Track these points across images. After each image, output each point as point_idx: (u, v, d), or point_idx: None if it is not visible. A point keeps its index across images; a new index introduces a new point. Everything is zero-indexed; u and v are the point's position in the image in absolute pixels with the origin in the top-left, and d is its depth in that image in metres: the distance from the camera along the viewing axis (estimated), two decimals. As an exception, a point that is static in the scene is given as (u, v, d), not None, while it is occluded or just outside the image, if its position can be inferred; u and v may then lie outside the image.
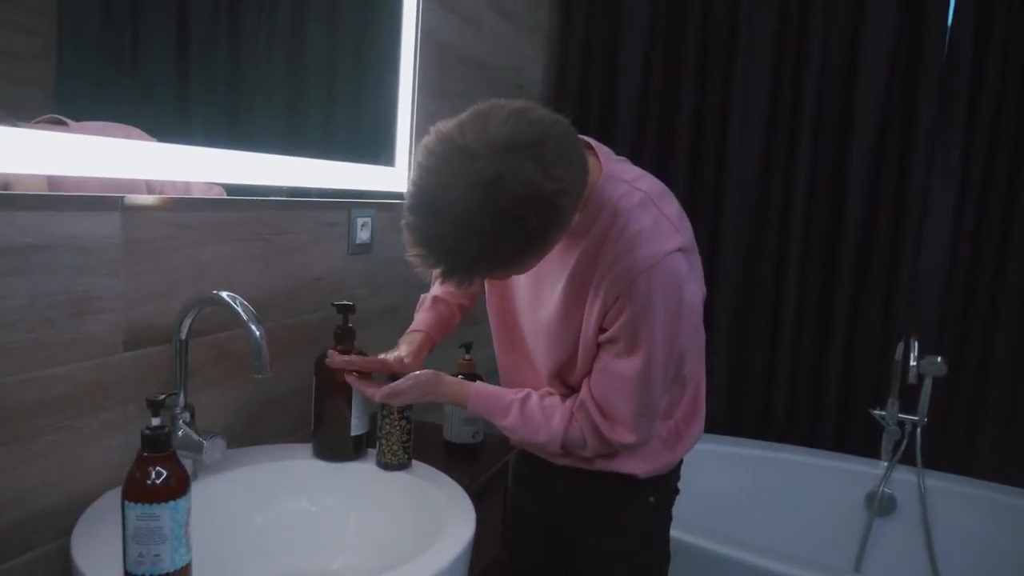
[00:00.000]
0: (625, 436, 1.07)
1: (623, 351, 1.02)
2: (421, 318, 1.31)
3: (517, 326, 1.19)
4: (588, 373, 1.09)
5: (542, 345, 1.13)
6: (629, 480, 1.16)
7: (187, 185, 1.13)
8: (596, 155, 1.03)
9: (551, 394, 1.14)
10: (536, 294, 1.12)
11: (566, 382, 1.14)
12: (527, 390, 1.14)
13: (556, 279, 1.07)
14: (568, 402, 1.11)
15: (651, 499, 1.21)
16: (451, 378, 1.17)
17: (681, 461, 1.24)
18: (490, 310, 1.23)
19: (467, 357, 1.42)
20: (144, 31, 1.03)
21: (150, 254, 1.08)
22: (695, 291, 1.04)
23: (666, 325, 0.99)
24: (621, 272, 0.98)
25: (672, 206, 1.04)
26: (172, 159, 1.08)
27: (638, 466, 1.15)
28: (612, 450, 1.11)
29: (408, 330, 1.30)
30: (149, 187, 1.06)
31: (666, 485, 1.23)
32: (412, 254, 0.89)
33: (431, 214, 0.86)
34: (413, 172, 0.88)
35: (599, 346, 1.05)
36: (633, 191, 1.02)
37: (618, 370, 1.03)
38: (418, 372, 1.14)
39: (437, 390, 1.14)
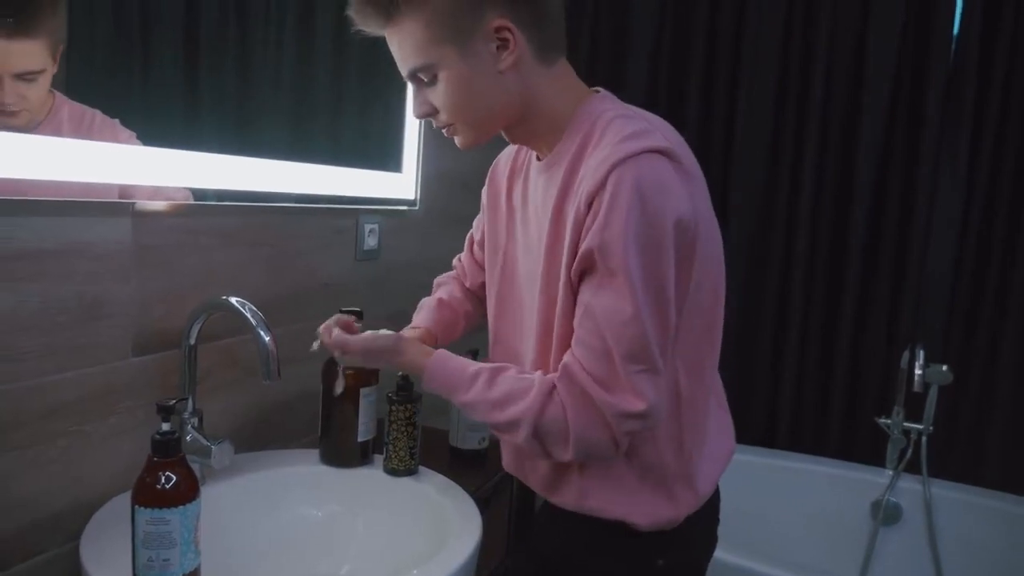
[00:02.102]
0: (629, 399, 0.83)
1: (601, 277, 0.84)
2: (423, 317, 1.19)
3: (517, 286, 1.04)
4: (568, 333, 0.90)
5: (533, 295, 0.97)
6: (625, 531, 0.96)
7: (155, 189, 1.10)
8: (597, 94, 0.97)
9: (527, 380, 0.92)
10: (529, 238, 1.00)
11: (559, 342, 0.93)
12: (502, 364, 0.95)
13: (544, 213, 0.94)
14: (549, 375, 0.89)
15: (660, 562, 0.98)
16: (417, 344, 1.01)
17: (707, 509, 1.02)
18: (488, 273, 1.11)
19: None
20: (154, 40, 1.04)
21: (160, 259, 1.09)
22: (686, 207, 0.84)
23: (641, 234, 0.81)
24: (592, 171, 0.84)
25: (672, 132, 0.92)
26: (183, 166, 1.09)
27: (632, 511, 0.95)
28: (603, 437, 0.86)
29: (406, 328, 1.17)
30: (123, 192, 1.03)
31: (683, 542, 0.99)
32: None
33: None
34: None
35: (579, 285, 0.88)
36: (627, 107, 0.93)
37: (598, 305, 0.84)
38: (379, 332, 1.01)
39: (395, 357, 0.99)
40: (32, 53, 0.87)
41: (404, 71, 0.91)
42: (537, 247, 0.95)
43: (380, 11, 0.87)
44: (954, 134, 2.15)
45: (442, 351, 0.98)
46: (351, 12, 0.89)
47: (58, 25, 0.90)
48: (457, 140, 0.96)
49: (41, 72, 0.89)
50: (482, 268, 1.17)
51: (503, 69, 0.87)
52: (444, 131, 0.96)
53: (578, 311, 0.87)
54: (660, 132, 0.87)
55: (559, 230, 0.91)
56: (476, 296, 1.23)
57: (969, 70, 2.11)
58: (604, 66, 2.44)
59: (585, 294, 0.86)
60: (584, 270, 0.86)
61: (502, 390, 0.90)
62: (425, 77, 0.89)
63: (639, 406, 0.83)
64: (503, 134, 0.99)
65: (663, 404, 0.88)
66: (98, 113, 0.97)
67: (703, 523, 1.02)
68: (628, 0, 2.40)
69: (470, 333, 1.25)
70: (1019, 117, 2.07)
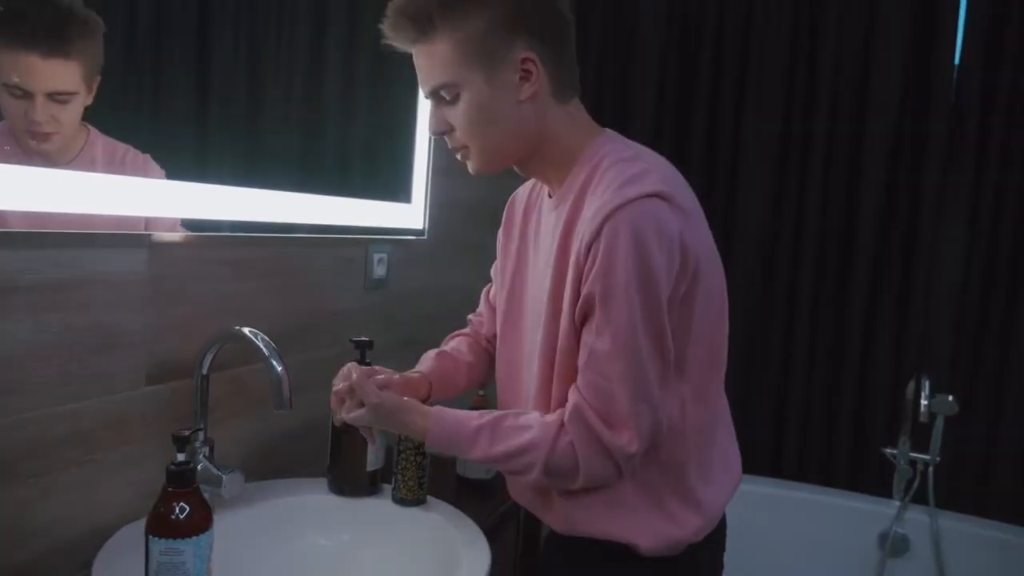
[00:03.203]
0: (627, 439, 0.88)
1: (601, 322, 0.87)
2: (422, 365, 1.18)
3: (523, 317, 1.07)
4: (570, 372, 0.94)
5: (537, 325, 1.00)
6: (630, 555, 0.96)
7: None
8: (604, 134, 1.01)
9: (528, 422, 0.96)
10: (538, 270, 1.03)
11: (560, 375, 0.96)
12: (497, 412, 0.98)
13: (550, 250, 0.97)
14: (557, 413, 0.93)
15: None
16: (417, 405, 1.01)
17: (714, 536, 1.02)
18: (499, 305, 1.13)
19: (481, 393, 1.43)
20: (166, 72, 1.06)
21: (174, 289, 1.11)
22: (683, 243, 0.88)
23: (639, 278, 0.84)
24: (590, 218, 0.87)
25: (669, 170, 0.95)
26: (195, 198, 1.11)
27: (630, 531, 0.96)
28: (610, 471, 0.91)
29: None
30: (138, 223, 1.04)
31: (689, 569, 1.00)
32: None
33: None
34: None
35: (582, 328, 0.91)
36: (628, 149, 0.96)
37: (602, 349, 0.88)
38: (391, 394, 1.01)
39: (395, 416, 0.99)
40: (65, 74, 0.89)
41: (427, 87, 0.94)
42: (543, 280, 0.98)
43: (416, 27, 0.90)
44: (958, 164, 2.17)
45: (438, 410, 0.98)
46: (384, 26, 0.93)
47: (93, 51, 0.93)
48: (469, 165, 0.99)
49: (74, 95, 0.91)
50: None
51: (522, 99, 0.92)
52: (458, 155, 0.98)
53: (582, 353, 0.91)
54: (656, 174, 0.90)
55: (562, 268, 0.94)
56: (485, 351, 1.23)
57: (971, 101, 2.13)
58: (609, 103, 2.48)
59: (588, 336, 0.90)
60: (586, 313, 0.90)
61: (508, 445, 0.93)
62: (447, 96, 0.93)
63: (636, 443, 0.88)
64: (516, 168, 1.01)
65: (660, 431, 0.91)
66: (130, 149, 1.00)
67: (710, 550, 1.03)
68: (632, 38, 2.44)
69: (474, 387, 1.27)
70: (1021, 150, 2.09)
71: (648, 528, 0.96)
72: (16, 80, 0.84)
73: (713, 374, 0.99)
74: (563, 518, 1.01)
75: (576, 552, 1.02)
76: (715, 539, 1.04)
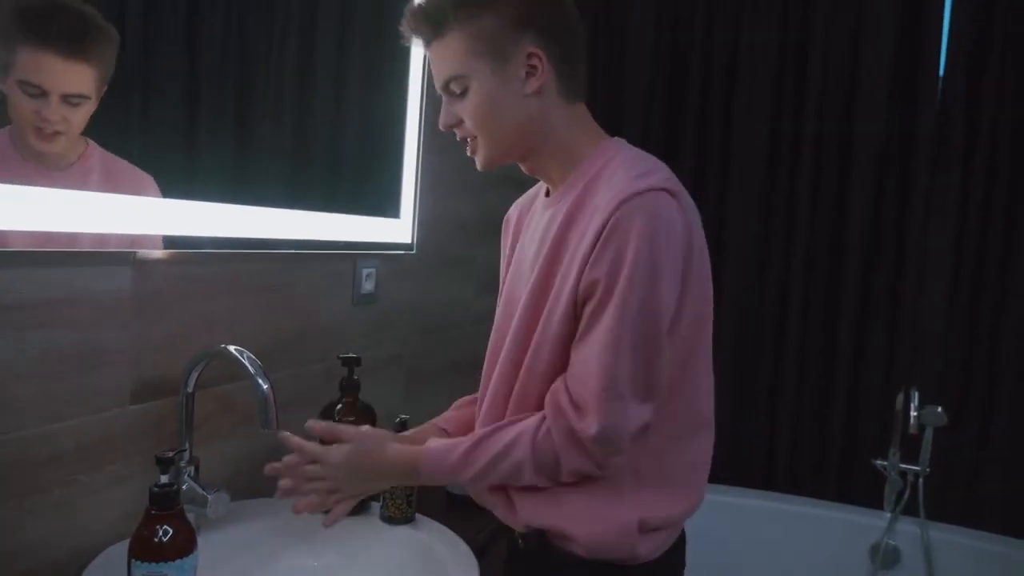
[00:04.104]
0: (588, 422, 0.87)
1: (600, 305, 0.88)
2: (444, 416, 1.15)
3: (507, 309, 1.06)
4: (549, 373, 0.94)
5: (510, 321, 0.99)
6: (562, 558, 0.96)
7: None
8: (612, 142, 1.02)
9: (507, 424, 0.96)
10: (522, 267, 1.04)
11: (529, 374, 0.96)
12: (477, 433, 0.97)
13: (541, 244, 0.98)
14: (539, 413, 0.94)
15: None
16: (397, 447, 0.98)
17: (672, 556, 1.00)
18: (498, 311, 1.11)
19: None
20: (154, 86, 1.06)
21: (159, 307, 1.10)
22: (687, 242, 0.90)
23: (646, 267, 0.85)
24: (605, 204, 0.89)
25: (678, 184, 0.94)
26: (181, 214, 1.10)
27: (570, 522, 0.95)
28: (584, 459, 0.90)
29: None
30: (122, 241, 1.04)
31: None
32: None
33: None
34: None
35: (581, 315, 0.91)
36: (640, 152, 0.99)
37: (592, 333, 0.89)
38: (349, 444, 0.98)
39: (378, 465, 0.97)
40: (83, 78, 0.93)
41: (439, 81, 0.99)
42: (528, 275, 1.00)
43: (432, 24, 0.96)
44: (944, 176, 2.18)
45: (425, 449, 0.97)
46: (402, 25, 0.99)
47: (108, 60, 0.96)
48: (477, 158, 1.02)
49: (86, 99, 0.94)
50: None
51: (528, 93, 0.95)
52: (467, 149, 1.02)
53: (575, 348, 0.92)
54: (667, 171, 0.94)
55: (554, 261, 0.95)
56: None
57: (956, 111, 2.15)
58: (599, 108, 2.48)
59: (583, 321, 0.91)
60: (587, 299, 0.90)
61: (494, 449, 0.93)
62: (457, 88, 0.97)
63: (594, 428, 0.87)
64: (520, 166, 1.04)
65: (623, 430, 0.89)
66: (134, 168, 1.02)
67: (669, 565, 1.01)
68: (623, 45, 2.45)
69: None
70: (1007, 159, 2.11)
71: (582, 519, 0.94)
72: (35, 79, 0.87)
73: (682, 385, 0.97)
74: (516, 513, 1.00)
75: (534, 558, 1.01)
76: (673, 558, 1.02)
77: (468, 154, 1.02)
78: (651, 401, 0.91)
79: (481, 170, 1.03)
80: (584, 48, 1.01)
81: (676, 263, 0.89)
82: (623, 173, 0.91)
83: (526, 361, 0.97)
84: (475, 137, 0.99)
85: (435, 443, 0.97)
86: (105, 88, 0.96)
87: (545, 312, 0.94)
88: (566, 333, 0.93)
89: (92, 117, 0.95)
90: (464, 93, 0.96)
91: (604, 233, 0.87)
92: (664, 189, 0.89)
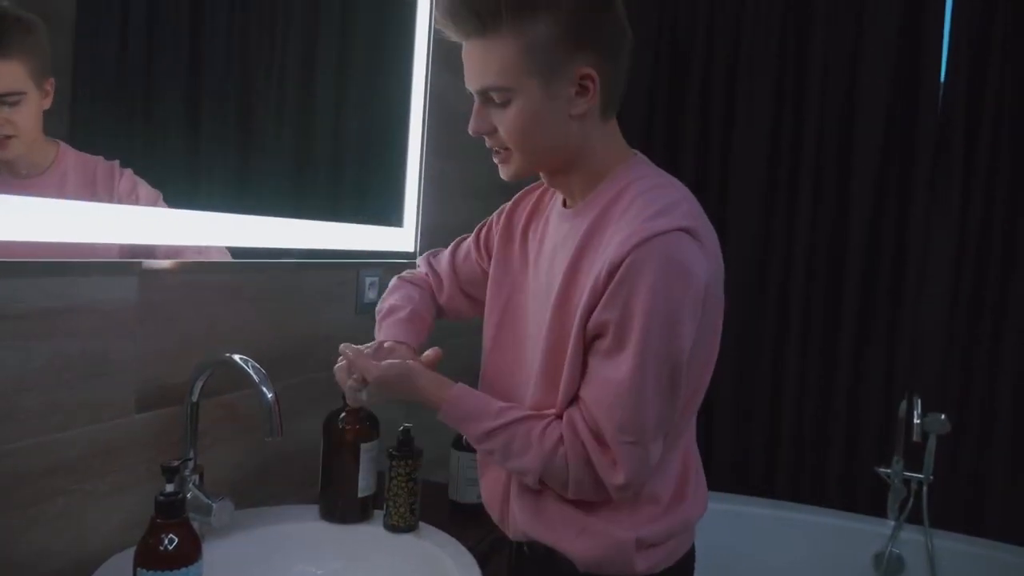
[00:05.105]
0: (616, 473, 0.88)
1: (612, 347, 0.87)
2: (400, 331, 1.12)
3: (523, 322, 1.05)
4: (575, 383, 0.93)
5: (539, 337, 0.98)
6: (568, 567, 0.96)
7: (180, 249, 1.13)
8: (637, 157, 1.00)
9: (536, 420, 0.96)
10: (539, 282, 1.01)
11: (554, 383, 0.95)
12: (507, 415, 0.96)
13: (559, 262, 0.96)
14: (556, 427, 0.93)
15: None
16: (427, 373, 1.00)
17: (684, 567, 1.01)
18: (490, 304, 1.10)
19: None
20: (156, 96, 1.07)
21: (164, 316, 1.10)
22: (704, 285, 0.87)
23: (660, 312, 0.83)
24: (618, 242, 0.85)
25: (695, 204, 0.93)
26: (186, 224, 1.11)
27: (574, 541, 0.95)
28: (598, 492, 0.91)
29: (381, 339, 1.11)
30: (125, 250, 1.05)
31: None
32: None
33: None
34: None
35: (590, 346, 0.91)
36: (659, 176, 0.96)
37: (605, 374, 0.88)
38: (391, 361, 0.99)
39: (409, 384, 0.99)
40: (9, 74, 0.87)
41: (476, 85, 0.91)
42: (547, 292, 0.97)
43: (479, 22, 0.86)
44: (945, 182, 2.19)
45: (460, 388, 0.98)
46: (442, 12, 0.89)
47: (36, 49, 0.90)
48: (504, 169, 0.97)
49: (22, 95, 0.88)
50: (464, 288, 1.19)
51: (574, 114, 0.90)
52: (495, 157, 0.96)
53: (588, 374, 0.91)
54: (687, 205, 0.90)
55: (572, 284, 0.93)
56: (440, 309, 1.23)
57: (957, 114, 2.15)
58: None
59: (595, 359, 0.89)
60: (597, 336, 0.88)
61: (527, 437, 0.93)
62: (498, 99, 0.90)
63: (619, 479, 0.87)
64: (542, 176, 1.01)
65: (646, 474, 0.90)
66: (112, 164, 0.99)
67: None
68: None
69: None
70: (1007, 167, 2.11)
71: (579, 540, 0.95)
72: None
73: (684, 424, 0.99)
74: (516, 520, 1.02)
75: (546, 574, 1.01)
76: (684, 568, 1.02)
77: (496, 162, 0.97)
78: (664, 434, 0.91)
79: (507, 180, 0.98)
80: (631, 65, 0.96)
81: (694, 310, 0.86)
82: (640, 206, 0.88)
83: (565, 374, 0.93)
84: (508, 149, 0.93)
85: (461, 396, 0.98)
86: (52, 79, 0.90)
87: (572, 335, 0.91)
88: (579, 354, 0.91)
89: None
90: (504, 104, 0.89)
91: (618, 275, 0.84)
92: (684, 229, 0.85)
